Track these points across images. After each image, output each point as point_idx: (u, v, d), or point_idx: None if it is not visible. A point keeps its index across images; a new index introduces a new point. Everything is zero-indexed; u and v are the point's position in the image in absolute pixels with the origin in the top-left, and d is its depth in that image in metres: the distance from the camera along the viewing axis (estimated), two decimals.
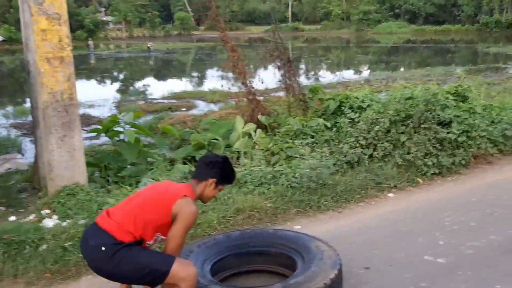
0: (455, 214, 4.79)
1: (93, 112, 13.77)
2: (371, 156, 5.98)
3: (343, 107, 7.07)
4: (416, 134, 5.95)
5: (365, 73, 22.70)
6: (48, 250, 4.05)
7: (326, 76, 21.92)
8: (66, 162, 5.49)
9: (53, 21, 5.25)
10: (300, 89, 7.46)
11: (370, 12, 58.76)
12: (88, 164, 6.99)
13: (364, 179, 5.52)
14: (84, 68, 28.47)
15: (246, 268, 3.59)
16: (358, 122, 6.43)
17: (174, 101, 15.27)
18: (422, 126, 5.96)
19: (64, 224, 4.68)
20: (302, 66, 27.98)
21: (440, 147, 5.95)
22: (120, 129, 7.40)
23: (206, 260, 3.40)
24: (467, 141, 6.13)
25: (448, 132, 5.97)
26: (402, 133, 6.06)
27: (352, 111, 6.91)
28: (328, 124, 6.54)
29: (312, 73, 25.31)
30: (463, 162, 6.05)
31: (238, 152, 6.48)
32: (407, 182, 5.69)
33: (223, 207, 4.76)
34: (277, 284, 3.02)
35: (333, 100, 7.38)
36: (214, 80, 17.13)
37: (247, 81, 7.87)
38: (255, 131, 6.94)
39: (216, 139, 6.98)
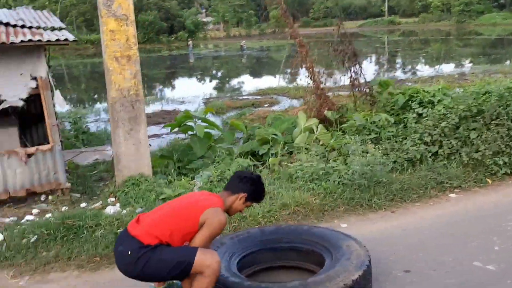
0: None
1: (183, 108, 14.29)
2: (436, 154, 5.65)
3: (412, 102, 6.74)
4: (487, 132, 5.52)
5: (465, 66, 21.25)
6: (102, 235, 4.36)
7: (423, 70, 20.90)
8: (132, 154, 5.85)
9: (121, 22, 5.59)
10: (366, 83, 7.22)
11: (472, 3, 54.93)
12: (161, 156, 7.42)
13: (424, 177, 5.23)
14: (182, 66, 29.84)
15: (276, 264, 3.58)
16: (426, 117, 6.10)
17: (258, 97, 15.46)
18: (494, 122, 5.51)
19: (124, 212, 5.01)
20: (398, 60, 26.98)
21: None
22: (192, 124, 7.71)
23: (235, 253, 3.44)
24: None
25: None
26: (472, 129, 5.65)
27: (420, 106, 6.57)
28: (392, 119, 6.27)
29: (409, 67, 24.25)
30: None
31: (299, 147, 6.45)
32: (474, 182, 5.31)
33: (269, 202, 4.79)
34: (295, 282, 2.99)
35: (402, 95, 7.07)
36: (301, 76, 17.20)
37: (316, 76, 7.79)
38: (317, 126, 6.85)
39: (276, 135, 7.01)
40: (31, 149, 5.72)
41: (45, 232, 4.43)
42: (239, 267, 3.35)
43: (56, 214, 4.89)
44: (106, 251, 4.13)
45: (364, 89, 7.17)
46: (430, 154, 5.60)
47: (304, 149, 6.22)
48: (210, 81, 24.29)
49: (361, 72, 7.10)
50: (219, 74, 27.70)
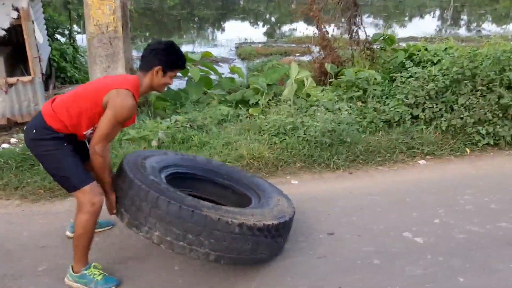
0: (482, 193, 4.10)
1: (213, 51, 14.10)
2: (417, 117, 5.31)
3: (411, 60, 6.30)
4: (474, 97, 5.11)
5: None
6: None
7: (489, 29, 19.47)
8: None
9: None
10: (367, 38, 6.79)
11: None
12: (158, 98, 7.41)
13: (395, 141, 4.96)
14: (233, 8, 29.02)
15: (204, 195, 3.46)
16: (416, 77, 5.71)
17: (293, 45, 14.96)
18: (482, 88, 5.08)
19: None
20: (464, 16, 25.21)
21: (502, 115, 5.05)
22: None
23: (170, 167, 3.35)
24: None
25: None
26: (462, 94, 5.25)
27: (417, 65, 6.14)
28: (379, 77, 5.90)
29: (474, 24, 22.60)
30: None
31: (285, 99, 6.24)
32: (450, 150, 4.98)
33: (226, 152, 4.70)
34: (210, 203, 2.86)
35: (404, 52, 6.63)
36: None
37: (321, 26, 7.40)
38: (307, 79, 6.58)
39: (269, 84, 6.80)
40: (12, 79, 5.82)
41: (2, 160, 4.54)
42: (167, 179, 3.20)
43: (22, 145, 5.01)
44: (51, 185, 4.19)
45: (365, 44, 6.74)
46: (410, 117, 5.27)
47: (286, 101, 6.01)
48: (254, 25, 23.61)
49: (361, 24, 6.65)
50: (268, 18, 26.67)
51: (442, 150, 4.97)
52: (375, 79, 5.81)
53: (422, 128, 5.11)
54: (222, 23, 23.72)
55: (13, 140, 5.63)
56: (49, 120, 2.76)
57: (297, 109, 5.68)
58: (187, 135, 5.06)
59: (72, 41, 12.70)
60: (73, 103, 2.78)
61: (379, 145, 4.88)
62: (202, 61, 8.22)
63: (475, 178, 4.44)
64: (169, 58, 2.85)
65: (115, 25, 5.66)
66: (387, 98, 5.66)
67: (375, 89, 5.76)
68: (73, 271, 2.88)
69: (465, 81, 5.26)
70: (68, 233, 3.41)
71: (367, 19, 19.69)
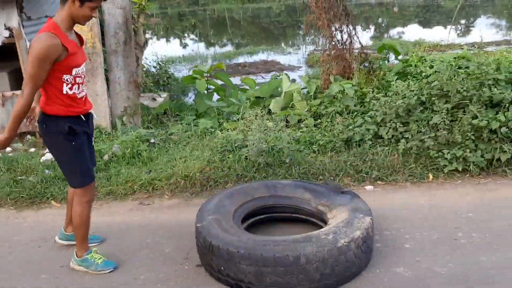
0: (409, 228, 3.58)
1: (283, 59, 14.05)
2: (380, 137, 4.80)
3: (404, 73, 5.73)
4: (449, 116, 4.49)
5: None
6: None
7: None
8: None
9: None
10: (362, 47, 6.27)
11: None
12: (160, 107, 7.57)
13: (343, 163, 4.51)
14: None
15: None
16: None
17: (369, 51, 14.35)
18: (454, 106, 4.46)
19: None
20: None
21: (475, 137, 4.37)
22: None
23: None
24: None
25: (495, 118, 4.30)
26: (437, 112, 4.64)
27: (411, 78, 5.55)
28: (351, 91, 5.39)
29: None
30: None
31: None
32: (409, 176, 4.42)
33: (163, 169, 4.63)
34: None
35: (402, 63, 6.05)
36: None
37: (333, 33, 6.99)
38: (298, 92, 6.27)
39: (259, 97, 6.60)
40: (8, 93, 6.27)
41: None
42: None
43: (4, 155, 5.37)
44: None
45: (360, 55, 6.25)
46: (371, 136, 4.77)
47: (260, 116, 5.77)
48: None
49: (354, 33, 6.17)
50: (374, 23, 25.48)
51: (398, 174, 4.42)
52: (347, 94, 5.35)
53: (378, 151, 4.59)
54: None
55: (8, 149, 6.06)
56: (42, 105, 2.95)
57: (275, 125, 5.41)
58: (137, 150, 5.06)
59: None
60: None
61: (323, 167, 4.48)
62: (217, 73, 8.22)
63: (417, 209, 3.89)
64: None
65: (93, 41, 5.87)
66: (361, 114, 5.18)
67: (348, 105, 5.31)
68: (76, 256, 3.22)
69: (443, 98, 4.66)
70: (57, 239, 3.62)
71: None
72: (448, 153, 4.36)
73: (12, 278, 3.20)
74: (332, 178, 4.38)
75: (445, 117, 4.50)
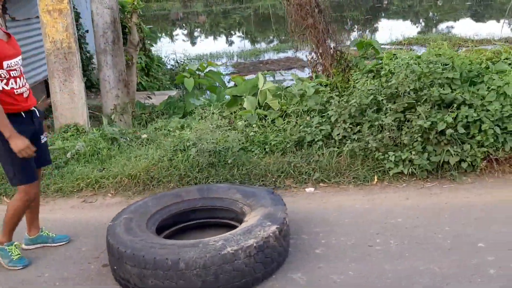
0: (328, 233, 3.50)
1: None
2: (331, 137, 4.69)
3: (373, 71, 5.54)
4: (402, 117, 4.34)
5: None
6: None
7: None
8: (67, 103, 6.24)
9: None
10: (336, 45, 6.10)
11: None
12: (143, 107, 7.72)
13: (287, 164, 4.44)
14: (379, 6, 27.93)
15: None
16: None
17: (398, 46, 14.02)
18: (395, 106, 4.29)
19: None
20: None
21: (423, 139, 4.19)
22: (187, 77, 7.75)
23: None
24: (476, 135, 4.11)
25: (442, 119, 4.12)
26: (389, 112, 4.49)
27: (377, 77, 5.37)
28: (309, 90, 5.26)
29: None
30: (464, 165, 4.13)
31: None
32: (353, 178, 4.31)
33: (112, 166, 4.72)
34: None
35: (376, 62, 5.86)
36: None
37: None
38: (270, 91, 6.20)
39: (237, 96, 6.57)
40: None
41: None
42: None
43: None
44: None
45: (334, 52, 6.10)
46: (321, 137, 4.66)
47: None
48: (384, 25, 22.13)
49: (328, 31, 6.02)
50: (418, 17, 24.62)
51: (342, 176, 4.32)
52: (304, 91, 5.25)
53: (324, 152, 4.49)
54: (355, 24, 22.81)
55: None
56: None
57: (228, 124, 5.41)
58: (98, 147, 5.18)
59: (146, 51, 13.72)
60: None
61: (266, 168, 4.43)
62: (208, 72, 8.26)
63: (348, 213, 3.78)
64: None
65: (68, 41, 6.02)
66: (319, 114, 5.07)
67: (306, 105, 5.22)
68: None
69: (396, 98, 4.50)
70: (24, 246, 3.55)
71: None
72: (393, 155, 4.21)
73: None
74: (273, 180, 4.34)
75: (392, 118, 4.34)
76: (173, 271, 2.73)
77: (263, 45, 19.56)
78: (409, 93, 4.31)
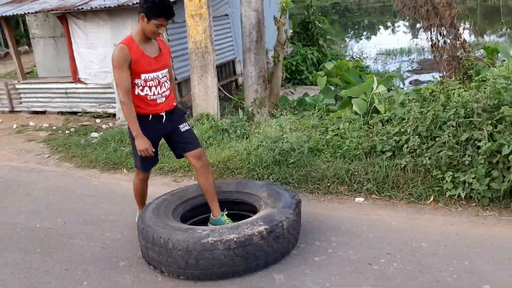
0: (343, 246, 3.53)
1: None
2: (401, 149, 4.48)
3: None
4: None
5: None
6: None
7: None
8: (202, 95, 7.19)
9: None
10: (456, 48, 5.53)
11: None
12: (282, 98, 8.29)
13: (345, 171, 4.44)
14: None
15: None
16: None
17: None
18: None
19: None
20: None
21: (484, 161, 3.74)
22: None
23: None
24: None
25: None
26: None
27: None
28: (400, 97, 4.93)
29: None
30: None
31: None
32: (409, 194, 4.10)
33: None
34: None
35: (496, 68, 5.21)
36: None
37: (455, 31, 6.41)
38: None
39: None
40: None
41: None
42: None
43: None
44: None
45: (452, 54, 5.59)
46: (389, 147, 4.49)
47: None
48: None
49: (447, 32, 5.53)
50: None
51: (399, 190, 4.15)
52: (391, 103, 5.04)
53: (387, 164, 4.33)
54: None
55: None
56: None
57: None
58: (208, 136, 5.92)
59: (319, 47, 14.34)
60: None
61: (324, 172, 4.52)
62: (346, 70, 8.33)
63: (379, 228, 3.70)
64: (147, 5, 3.20)
65: (205, 42, 6.91)
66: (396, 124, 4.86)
67: (392, 113, 5.02)
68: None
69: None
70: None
71: None
72: (451, 175, 3.88)
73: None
74: (328, 185, 4.42)
75: (452, 135, 3.96)
76: (164, 248, 3.22)
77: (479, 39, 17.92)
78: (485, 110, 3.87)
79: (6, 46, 19.01)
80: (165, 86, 3.54)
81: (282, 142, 4.91)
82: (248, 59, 7.93)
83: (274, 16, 9.14)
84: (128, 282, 3.28)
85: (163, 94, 3.53)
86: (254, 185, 3.98)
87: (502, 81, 3.81)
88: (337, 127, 5.30)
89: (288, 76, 12.66)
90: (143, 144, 3.39)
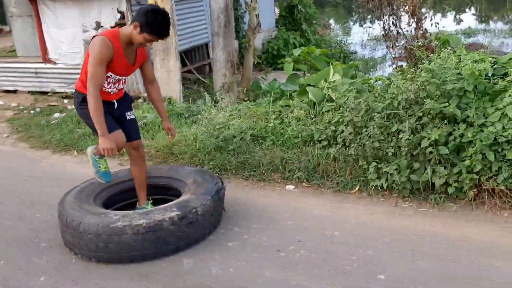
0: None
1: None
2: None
3: None
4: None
5: None
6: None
7: None
8: (164, 79, 7.20)
9: None
10: (408, 39, 5.54)
11: None
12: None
13: (279, 159, 4.49)
14: None
15: None
16: None
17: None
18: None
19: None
20: None
21: (405, 153, 3.79)
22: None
23: None
24: (465, 158, 3.52)
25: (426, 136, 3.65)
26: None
27: None
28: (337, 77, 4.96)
29: None
30: (450, 190, 3.62)
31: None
32: (337, 183, 4.16)
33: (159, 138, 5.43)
34: None
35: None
36: None
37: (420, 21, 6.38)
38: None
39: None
40: None
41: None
42: None
43: None
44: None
45: (408, 46, 5.59)
46: (325, 136, 4.53)
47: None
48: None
49: (397, 23, 5.53)
50: None
51: (327, 180, 4.21)
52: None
53: (319, 153, 4.38)
54: None
55: None
56: (79, 87, 3.51)
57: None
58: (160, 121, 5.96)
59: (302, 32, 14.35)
60: (83, 67, 3.42)
61: (260, 160, 4.57)
62: (308, 56, 8.32)
63: (301, 216, 3.76)
64: (146, 18, 3.17)
65: None
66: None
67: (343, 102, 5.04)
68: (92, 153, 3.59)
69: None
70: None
71: None
72: (375, 166, 3.93)
73: None
74: (263, 172, 4.48)
75: (378, 126, 4.01)
76: (76, 231, 3.29)
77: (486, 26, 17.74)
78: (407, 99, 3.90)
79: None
80: (122, 84, 3.58)
81: (226, 129, 4.95)
82: (216, 43, 7.94)
83: (245, 0, 9.11)
84: (43, 263, 3.36)
85: (118, 88, 3.56)
86: (183, 171, 4.04)
87: (424, 75, 3.82)
88: (285, 115, 5.33)
89: (271, 61, 12.65)
90: (109, 143, 3.31)
